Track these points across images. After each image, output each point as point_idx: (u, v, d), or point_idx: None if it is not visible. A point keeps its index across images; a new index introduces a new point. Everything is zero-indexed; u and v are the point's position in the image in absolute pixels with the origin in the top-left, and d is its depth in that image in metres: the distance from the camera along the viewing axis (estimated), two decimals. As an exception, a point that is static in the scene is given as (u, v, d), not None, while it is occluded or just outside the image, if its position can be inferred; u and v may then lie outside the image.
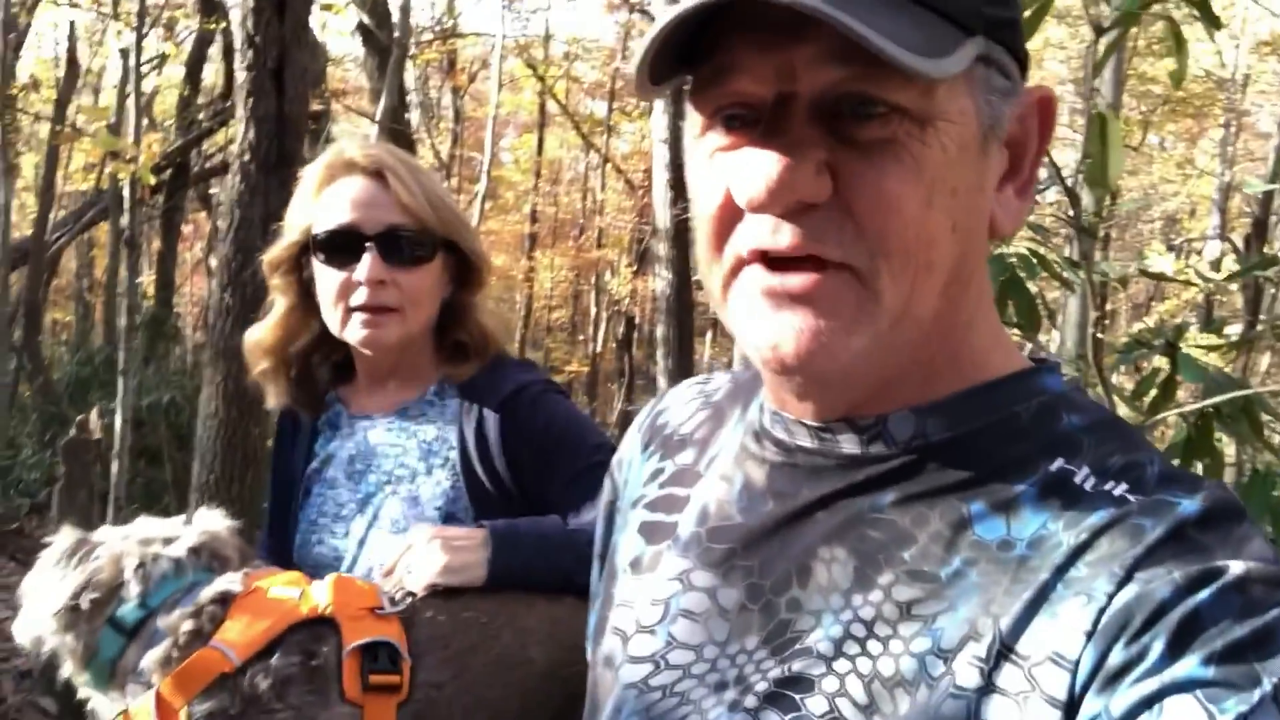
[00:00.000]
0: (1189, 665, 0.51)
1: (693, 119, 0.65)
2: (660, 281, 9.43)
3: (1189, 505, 0.57)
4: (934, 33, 0.57)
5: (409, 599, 1.17)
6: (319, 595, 1.10)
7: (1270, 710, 0.49)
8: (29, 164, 15.55)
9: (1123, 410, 2.08)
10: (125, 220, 7.57)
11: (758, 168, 0.58)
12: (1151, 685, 0.51)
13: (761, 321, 0.62)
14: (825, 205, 0.59)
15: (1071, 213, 2.05)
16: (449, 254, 1.46)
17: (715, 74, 0.61)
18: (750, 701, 0.64)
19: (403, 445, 1.45)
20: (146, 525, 1.23)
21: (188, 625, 1.05)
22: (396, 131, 7.68)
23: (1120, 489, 0.59)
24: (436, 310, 1.47)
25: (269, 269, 1.50)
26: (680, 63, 0.61)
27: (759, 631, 0.66)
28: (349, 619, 1.08)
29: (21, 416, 10.18)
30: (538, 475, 1.38)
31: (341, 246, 1.40)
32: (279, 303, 1.51)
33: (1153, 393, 2.00)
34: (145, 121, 8.22)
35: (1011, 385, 0.66)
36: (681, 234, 9.14)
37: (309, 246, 1.45)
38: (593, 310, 20.05)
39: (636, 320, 17.79)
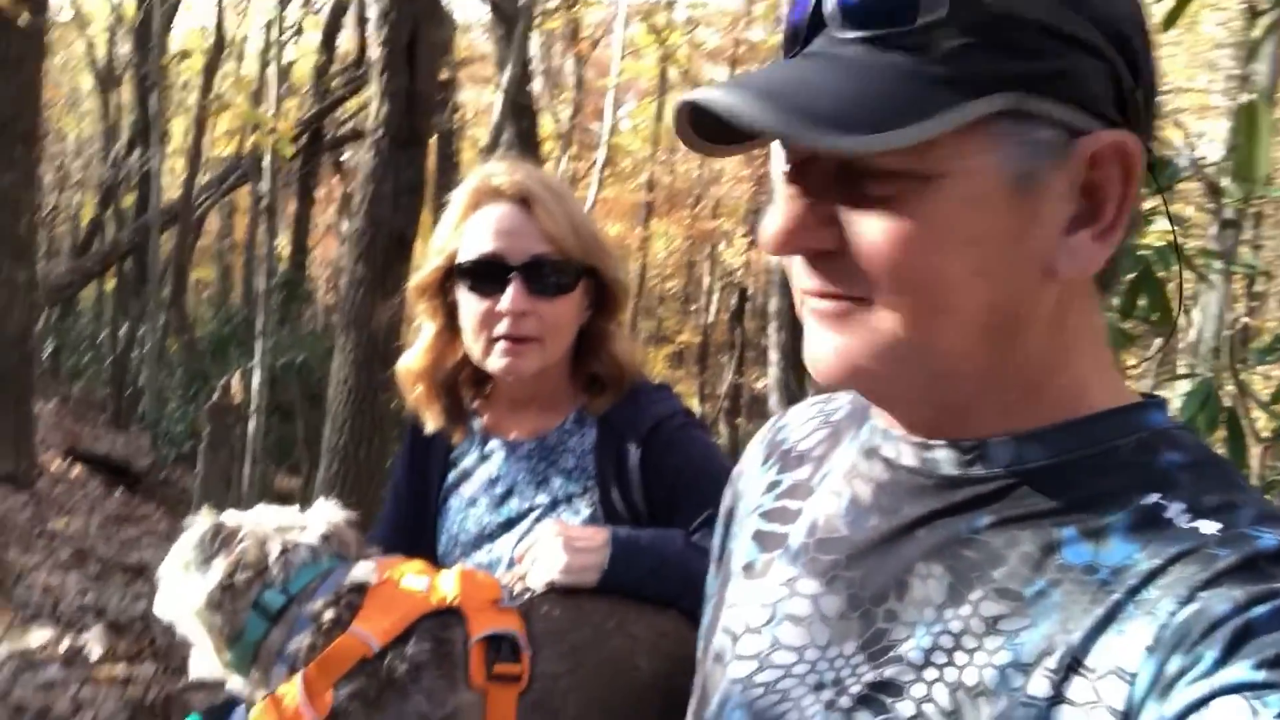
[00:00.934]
0: (1239, 671, 0.52)
1: None
2: (776, 254, 9.31)
3: (1269, 540, 0.58)
4: (916, 97, 0.60)
5: (527, 593, 1.21)
6: (446, 586, 1.16)
7: None
8: (178, 129, 16.40)
9: (1259, 416, 1.98)
10: (265, 187, 7.95)
11: (771, 219, 0.66)
12: (1202, 689, 0.52)
13: (809, 337, 0.70)
14: (839, 252, 0.64)
15: (1212, 205, 1.96)
16: (589, 280, 1.46)
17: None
18: (845, 702, 0.68)
19: (544, 474, 1.48)
20: (272, 513, 1.27)
21: (330, 614, 1.11)
22: (519, 103, 7.80)
23: (1211, 527, 0.60)
24: (574, 337, 1.47)
25: (415, 294, 1.52)
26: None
27: (857, 638, 0.70)
28: (474, 610, 1.13)
29: (168, 371, 10.86)
30: (668, 511, 1.40)
31: (486, 275, 1.41)
32: (426, 327, 1.53)
33: (1294, 397, 1.90)
34: (284, 88, 8.57)
35: (1113, 419, 0.67)
36: (799, 206, 8.93)
37: (453, 271, 1.45)
38: (706, 280, 20.02)
39: (749, 292, 17.70)
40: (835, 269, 0.65)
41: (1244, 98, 1.82)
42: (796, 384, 9.14)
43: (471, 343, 1.45)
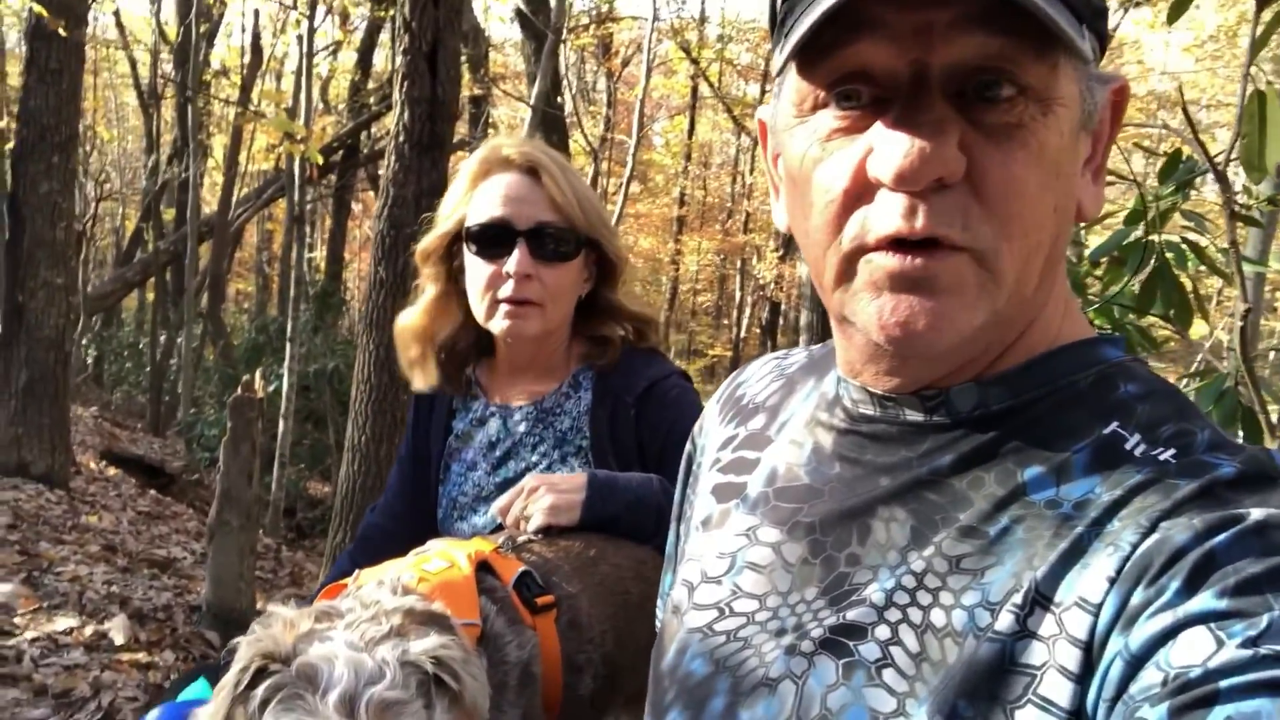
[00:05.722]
0: (1203, 600, 0.52)
1: (796, 97, 0.66)
2: (806, 267, 9.28)
3: (1226, 468, 0.58)
4: (1065, 15, 0.59)
5: (521, 538, 1.26)
6: (463, 553, 1.14)
7: (1278, 633, 0.49)
8: (218, 145, 16.74)
9: (1275, 410, 1.95)
10: (295, 197, 8.09)
11: (904, 144, 0.58)
12: (1167, 619, 0.52)
13: (889, 300, 0.62)
14: (956, 187, 0.59)
15: (1222, 198, 1.93)
16: (591, 251, 1.51)
17: (844, 34, 0.60)
18: (806, 646, 0.68)
19: (540, 435, 1.52)
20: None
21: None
22: (550, 115, 7.87)
23: (1167, 454, 0.60)
24: (573, 307, 1.52)
25: (421, 258, 1.57)
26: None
27: (818, 583, 0.70)
28: (495, 561, 1.16)
29: (205, 378, 11.07)
30: (658, 466, 1.43)
31: (493, 239, 1.46)
32: (428, 290, 1.59)
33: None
34: (320, 105, 8.73)
35: (1072, 354, 0.67)
36: (829, 218, 8.93)
37: (461, 237, 1.51)
38: (737, 295, 20.00)
39: (781, 306, 17.64)
40: (951, 206, 0.60)
41: (1254, 87, 1.80)
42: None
43: (477, 304, 1.50)
